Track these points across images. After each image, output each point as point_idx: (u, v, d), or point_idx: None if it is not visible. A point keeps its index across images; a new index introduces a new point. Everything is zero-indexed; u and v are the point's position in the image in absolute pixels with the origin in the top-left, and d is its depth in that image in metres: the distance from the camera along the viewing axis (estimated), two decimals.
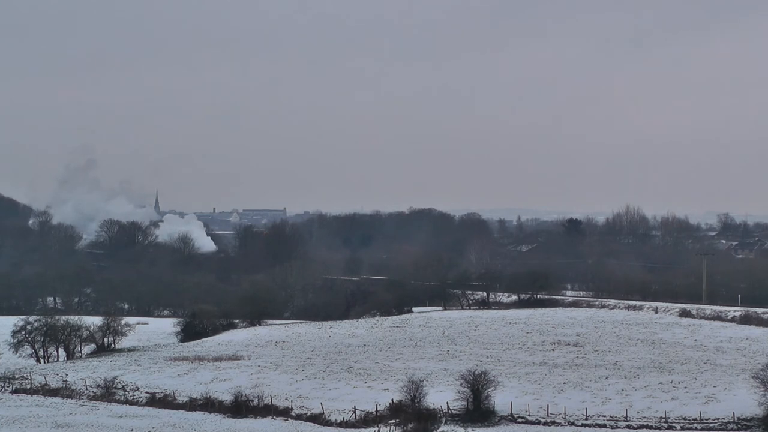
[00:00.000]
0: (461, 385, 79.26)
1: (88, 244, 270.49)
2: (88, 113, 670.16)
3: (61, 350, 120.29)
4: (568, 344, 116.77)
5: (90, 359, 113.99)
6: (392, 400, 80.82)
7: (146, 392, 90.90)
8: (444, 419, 77.41)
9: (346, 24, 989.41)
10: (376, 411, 79.58)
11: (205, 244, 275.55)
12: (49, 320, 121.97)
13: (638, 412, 77.03)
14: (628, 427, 74.65)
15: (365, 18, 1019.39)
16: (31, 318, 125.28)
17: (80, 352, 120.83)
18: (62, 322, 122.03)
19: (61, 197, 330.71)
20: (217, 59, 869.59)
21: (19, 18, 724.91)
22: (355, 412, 79.67)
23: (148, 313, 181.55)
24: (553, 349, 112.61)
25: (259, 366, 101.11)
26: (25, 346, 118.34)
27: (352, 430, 77.21)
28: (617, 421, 75.74)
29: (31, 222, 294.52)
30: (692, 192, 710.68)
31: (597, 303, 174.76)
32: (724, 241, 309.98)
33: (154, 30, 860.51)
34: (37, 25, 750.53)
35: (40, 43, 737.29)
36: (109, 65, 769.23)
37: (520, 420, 77.12)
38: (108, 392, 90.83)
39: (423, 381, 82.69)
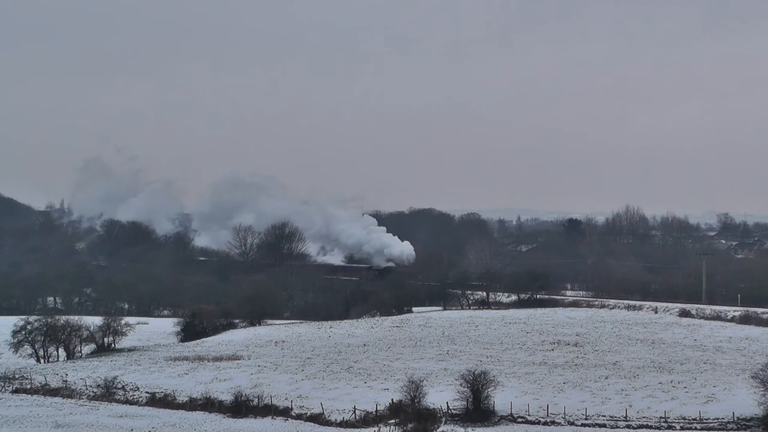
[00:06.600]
0: (461, 384, 79.29)
1: (88, 244, 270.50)
2: (97, 113, 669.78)
3: (61, 350, 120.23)
4: (568, 344, 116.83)
5: (90, 359, 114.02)
6: (392, 400, 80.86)
7: (146, 392, 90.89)
8: (444, 419, 77.42)
9: (346, 26, 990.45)
10: (376, 411, 79.62)
11: (404, 249, 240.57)
12: (49, 320, 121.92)
13: (638, 412, 77.05)
14: (628, 426, 74.64)
15: (365, 19, 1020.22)
16: (31, 318, 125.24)
17: (80, 352, 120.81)
18: (62, 322, 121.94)
19: (84, 185, 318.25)
20: (217, 59, 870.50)
21: (30, 18, 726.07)
22: (355, 412, 79.71)
23: (148, 313, 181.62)
24: (552, 349, 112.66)
25: (259, 366, 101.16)
26: (25, 346, 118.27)
27: (352, 429, 77.21)
28: (617, 420, 75.74)
29: (45, 208, 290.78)
30: (692, 192, 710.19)
31: (597, 303, 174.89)
32: (723, 241, 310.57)
33: (154, 30, 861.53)
34: (46, 26, 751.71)
35: (47, 45, 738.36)
36: (116, 66, 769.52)
37: (519, 420, 77.13)
38: (108, 392, 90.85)
39: (423, 381, 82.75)
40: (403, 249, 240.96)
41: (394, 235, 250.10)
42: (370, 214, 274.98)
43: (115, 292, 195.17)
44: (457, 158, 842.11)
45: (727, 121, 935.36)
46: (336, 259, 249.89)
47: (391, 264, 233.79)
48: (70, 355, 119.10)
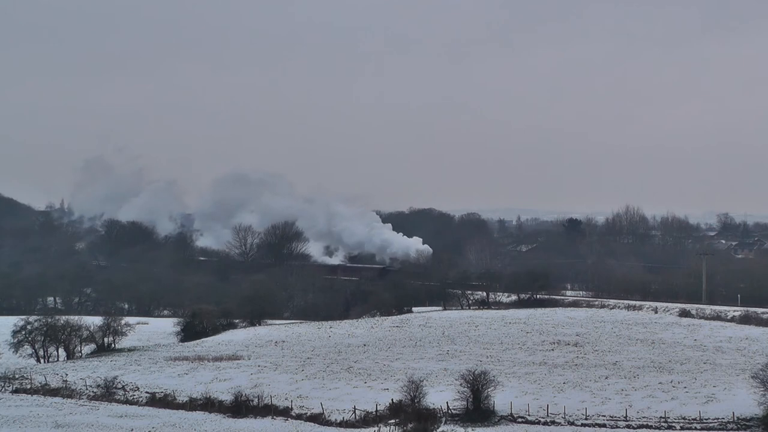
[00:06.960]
0: (461, 384, 79.26)
1: (88, 244, 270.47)
2: (97, 113, 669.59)
3: (61, 350, 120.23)
4: (568, 344, 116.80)
5: (90, 359, 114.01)
6: (392, 399, 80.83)
7: (146, 392, 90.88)
8: (444, 419, 77.39)
9: (346, 26, 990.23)
10: (376, 411, 79.59)
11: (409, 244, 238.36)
12: (49, 320, 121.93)
13: (638, 412, 77.02)
14: (628, 426, 74.61)
15: (365, 19, 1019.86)
16: (31, 318, 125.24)
17: (80, 352, 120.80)
18: (62, 322, 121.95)
19: (85, 185, 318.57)
20: (217, 59, 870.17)
21: (30, 18, 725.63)
22: (355, 411, 79.69)
23: (148, 313, 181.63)
24: (552, 349, 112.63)
25: (259, 366, 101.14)
26: (26, 346, 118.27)
27: (352, 429, 77.18)
28: (617, 420, 75.72)
29: (45, 208, 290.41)
30: (692, 192, 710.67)
31: (597, 303, 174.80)
32: (723, 241, 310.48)
33: (153, 30, 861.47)
34: (46, 26, 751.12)
35: (47, 45, 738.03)
36: (116, 66, 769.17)
37: (519, 420, 77.11)
38: (108, 392, 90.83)
39: (423, 381, 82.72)
40: (410, 246, 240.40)
41: (398, 233, 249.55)
42: None
43: (115, 292, 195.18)
44: (457, 158, 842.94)
45: (727, 121, 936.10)
46: (340, 259, 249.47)
47: (398, 265, 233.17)
48: (70, 355, 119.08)
